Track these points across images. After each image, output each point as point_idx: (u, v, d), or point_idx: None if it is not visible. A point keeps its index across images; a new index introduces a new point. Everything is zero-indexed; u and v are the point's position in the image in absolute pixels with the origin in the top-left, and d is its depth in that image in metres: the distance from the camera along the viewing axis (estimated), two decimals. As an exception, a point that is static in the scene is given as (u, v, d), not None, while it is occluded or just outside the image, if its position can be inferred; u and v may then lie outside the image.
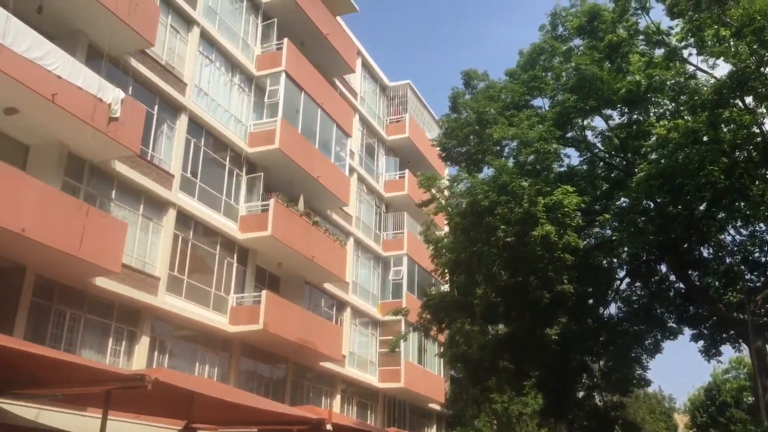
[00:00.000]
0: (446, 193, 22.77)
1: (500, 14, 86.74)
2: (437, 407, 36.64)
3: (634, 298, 24.07)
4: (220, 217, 22.30)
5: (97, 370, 10.49)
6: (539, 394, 28.44)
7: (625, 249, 20.37)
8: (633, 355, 23.17)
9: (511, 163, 19.46)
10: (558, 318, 21.50)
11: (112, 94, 16.54)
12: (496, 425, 37.27)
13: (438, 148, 21.91)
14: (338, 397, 28.52)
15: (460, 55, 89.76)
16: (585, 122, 21.19)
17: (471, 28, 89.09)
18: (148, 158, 19.46)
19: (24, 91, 14.44)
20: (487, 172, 20.95)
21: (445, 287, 26.48)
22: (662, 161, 17.80)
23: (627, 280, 23.64)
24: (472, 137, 20.11)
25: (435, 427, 37.31)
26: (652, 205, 18.99)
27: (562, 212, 17.08)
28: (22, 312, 15.31)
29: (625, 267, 23.17)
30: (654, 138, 19.29)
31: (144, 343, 18.66)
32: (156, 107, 20.06)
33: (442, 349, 32.13)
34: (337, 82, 30.76)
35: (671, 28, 18.87)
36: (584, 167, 22.20)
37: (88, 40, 17.51)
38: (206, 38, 22.61)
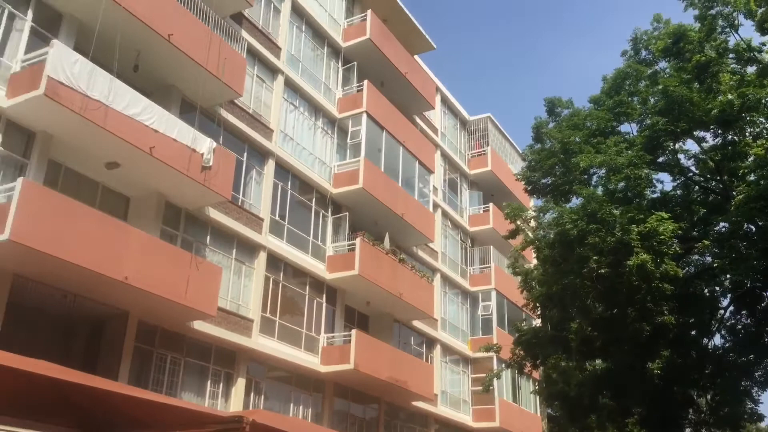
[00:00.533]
0: (533, 224, 22.37)
1: (575, 41, 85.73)
2: (534, 446, 35.49)
3: (740, 327, 22.65)
4: (308, 257, 22.70)
5: (198, 412, 10.77)
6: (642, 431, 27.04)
7: (728, 276, 19.26)
8: (742, 388, 21.74)
9: (600, 191, 18.93)
10: (659, 351, 20.49)
11: (205, 144, 17.27)
12: (597, 464, 35.64)
13: (523, 181, 21.59)
14: (431, 437, 28.10)
15: (537, 84, 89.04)
16: (676, 146, 20.40)
17: (546, 56, 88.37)
18: (239, 203, 20.12)
19: (124, 146, 15.31)
20: (575, 202, 20.48)
21: (537, 322, 25.84)
22: (762, 182, 16.88)
23: (731, 308, 22.31)
24: (557, 167, 19.71)
25: (532, 466, 36.08)
26: (754, 228, 17.97)
27: (657, 240, 16.40)
28: (126, 357, 15.95)
29: (728, 295, 21.89)
30: (752, 158, 18.34)
31: (240, 384, 19.04)
32: (245, 154, 20.79)
33: (537, 387, 31.22)
34: (418, 119, 31.04)
35: (763, 44, 18.07)
36: (678, 192, 21.31)
37: (182, 94, 18.41)
38: (290, 85, 23.36)
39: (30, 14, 15.17)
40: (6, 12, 14.73)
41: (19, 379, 8.66)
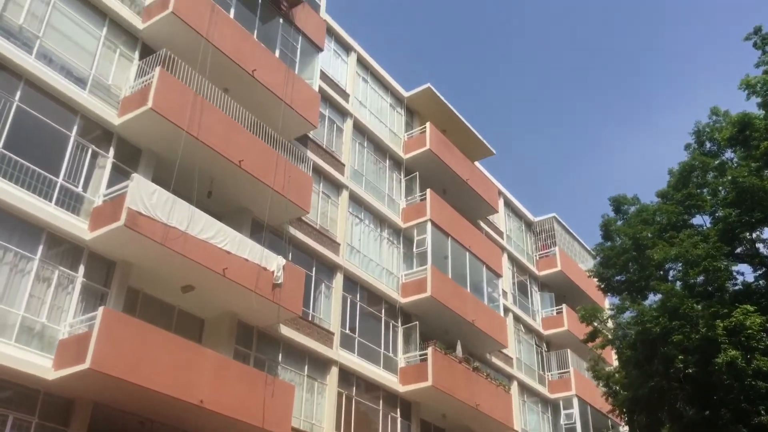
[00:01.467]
0: (610, 324, 21.60)
1: (631, 133, 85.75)
2: None
3: None
4: (380, 370, 22.38)
5: None
6: None
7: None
8: None
9: (678, 286, 18.28)
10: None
11: (275, 262, 17.68)
12: None
13: (595, 279, 21.11)
14: None
15: (597, 178, 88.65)
16: (753, 235, 19.73)
17: (603, 150, 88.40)
18: (310, 318, 20.24)
19: (199, 269, 15.84)
20: (653, 299, 19.79)
21: (625, 429, 24.41)
22: None
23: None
24: (630, 264, 19.25)
25: None
26: None
27: (745, 335, 15.57)
28: (202, 481, 15.75)
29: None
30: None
31: (317, 507, 18.43)
32: (314, 269, 21.13)
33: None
34: (482, 224, 31.11)
35: (836, 126, 17.63)
36: (761, 283, 20.37)
37: (252, 215, 19.09)
38: (355, 199, 23.96)
39: (112, 151, 16.27)
40: (90, 151, 15.85)
41: None
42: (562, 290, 35.55)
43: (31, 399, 13.38)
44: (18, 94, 14.66)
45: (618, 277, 20.40)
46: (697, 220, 20.36)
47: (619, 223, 21.19)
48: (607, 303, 32.06)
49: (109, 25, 17.05)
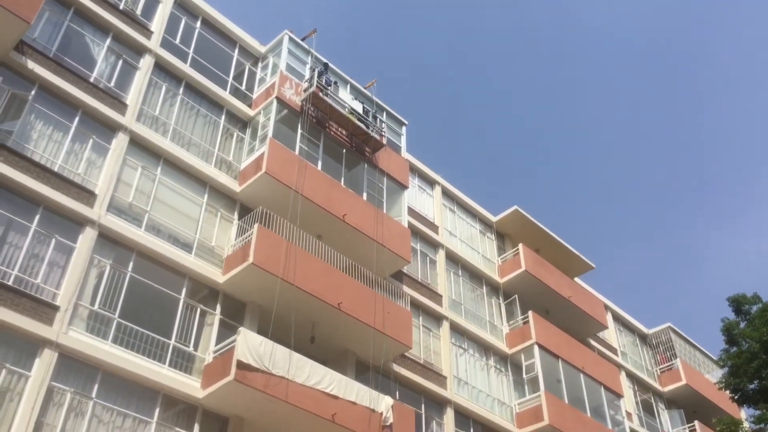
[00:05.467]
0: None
1: (732, 235, 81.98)
2: None
3: None
4: None
5: None
6: None
7: None
8: None
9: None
10: None
11: (383, 403, 17.41)
12: None
13: (727, 391, 19.54)
14: None
15: (705, 283, 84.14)
16: None
17: (708, 254, 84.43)
18: (425, 459, 19.51)
19: (309, 417, 15.80)
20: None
21: None
22: None
23: None
24: (764, 370, 17.80)
25: None
26: None
27: None
28: None
29: None
30: None
31: None
32: (422, 405, 20.61)
33: None
34: (593, 342, 29.76)
35: None
36: None
37: (356, 356, 19.11)
38: (456, 329, 23.64)
39: (218, 308, 16.98)
40: (198, 310, 16.60)
41: None
42: (691, 405, 32.81)
43: None
44: (131, 265, 15.76)
45: (751, 386, 18.87)
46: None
47: (742, 325, 19.86)
48: (743, 414, 29.33)
49: (209, 191, 18.37)
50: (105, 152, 16.59)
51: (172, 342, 15.65)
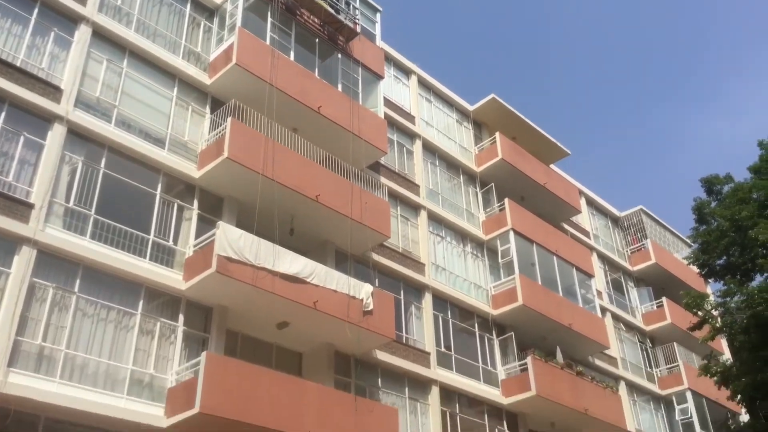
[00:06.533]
0: (715, 312, 20.63)
1: (705, 118, 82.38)
2: None
3: None
4: (481, 384, 22.17)
5: None
6: None
7: None
8: None
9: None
10: None
11: (364, 290, 17.93)
12: None
13: (695, 266, 20.34)
14: None
15: (679, 167, 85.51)
16: None
17: (682, 139, 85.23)
18: (404, 341, 20.33)
19: (291, 305, 16.27)
20: (760, 279, 18.89)
21: (745, 417, 23.23)
22: None
23: None
24: (731, 246, 18.45)
25: None
26: None
27: None
28: None
29: None
30: None
31: None
32: (402, 292, 21.26)
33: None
34: (566, 226, 30.49)
35: None
36: None
37: (335, 246, 19.44)
38: (434, 218, 24.02)
39: (196, 204, 17.03)
40: (175, 205, 16.64)
41: None
42: (659, 283, 34.24)
43: (150, 447, 14.01)
44: (103, 162, 15.60)
45: (719, 262, 19.61)
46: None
47: (714, 204, 20.38)
48: (709, 290, 30.67)
49: (179, 84, 17.95)
50: (68, 45, 16.02)
51: (151, 237, 15.78)
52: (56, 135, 14.88)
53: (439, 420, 20.02)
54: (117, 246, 15.08)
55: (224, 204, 17.49)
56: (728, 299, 19.31)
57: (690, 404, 29.92)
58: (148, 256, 15.53)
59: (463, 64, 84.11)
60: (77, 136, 15.36)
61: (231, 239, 15.56)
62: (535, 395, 21.82)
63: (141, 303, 15.00)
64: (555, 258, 26.31)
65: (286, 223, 18.14)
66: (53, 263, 13.96)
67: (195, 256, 15.88)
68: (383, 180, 22.26)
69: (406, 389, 19.79)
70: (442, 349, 21.64)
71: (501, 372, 23.01)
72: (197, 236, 16.46)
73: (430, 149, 25.59)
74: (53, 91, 15.20)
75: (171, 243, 16.13)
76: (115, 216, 15.27)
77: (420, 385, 20.23)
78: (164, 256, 15.91)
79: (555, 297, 24.99)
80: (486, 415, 21.91)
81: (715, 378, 19.48)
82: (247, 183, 16.95)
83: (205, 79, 18.46)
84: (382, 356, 19.26)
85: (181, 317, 15.55)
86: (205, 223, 16.84)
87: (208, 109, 18.33)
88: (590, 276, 28.17)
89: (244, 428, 14.12)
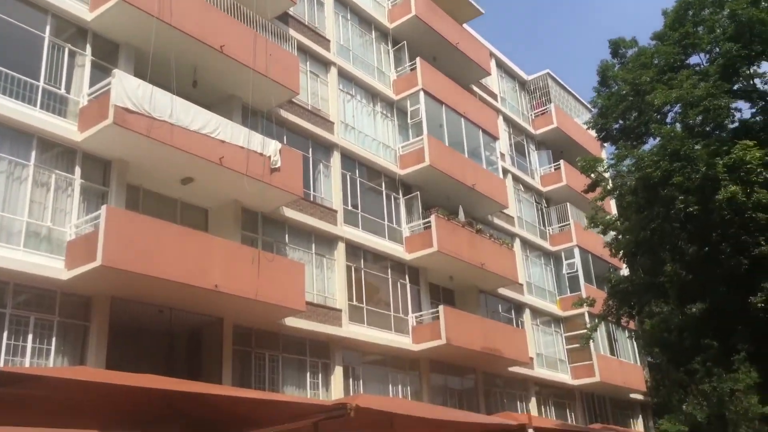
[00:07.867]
0: (608, 175, 21.72)
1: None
2: (639, 397, 34.81)
3: None
4: (386, 242, 22.86)
5: (303, 404, 11.12)
6: (752, 367, 26.02)
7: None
8: None
9: (678, 127, 18.18)
10: (761, 283, 19.69)
11: (271, 147, 17.61)
12: (707, 406, 34.55)
13: (593, 131, 21.03)
14: (533, 400, 28.02)
15: (589, 28, 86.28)
16: (752, 70, 19.39)
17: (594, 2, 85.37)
18: (311, 199, 20.43)
19: (195, 160, 15.79)
20: (651, 143, 19.77)
21: (625, 271, 25.23)
22: None
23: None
24: (630, 111, 19.05)
25: (640, 417, 35.45)
26: None
27: (745, 170, 15.70)
28: (227, 360, 16.54)
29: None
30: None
31: (338, 373, 19.46)
32: (310, 150, 21.07)
33: (634, 334, 30.71)
34: (475, 88, 30.65)
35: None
36: (759, 118, 20.27)
37: (241, 102, 18.75)
38: (344, 75, 23.46)
39: (89, 49, 15.81)
40: (66, 50, 15.39)
41: (128, 394, 9.13)
42: (559, 147, 35.59)
43: (50, 299, 13.79)
44: (-19, -4, 14.06)
45: (616, 126, 20.26)
46: (694, 59, 19.96)
47: (617, 68, 20.75)
48: (604, 154, 32.19)
49: None
50: None
51: (41, 83, 14.65)
52: None
53: (344, 274, 20.67)
54: (3, 92, 13.94)
55: (120, 51, 16.31)
56: (620, 162, 20.18)
57: (577, 259, 32.22)
58: (38, 104, 14.49)
59: None
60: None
61: (128, 89, 14.67)
62: (436, 251, 22.77)
63: (33, 154, 14.17)
64: (463, 120, 26.58)
65: (189, 76, 17.24)
66: (-71, 109, 12.80)
67: (90, 106, 14.96)
68: (292, 32, 21.30)
69: (313, 245, 20.14)
70: (349, 207, 21.95)
71: (405, 230, 23.74)
72: (92, 85, 15.42)
73: (341, 2, 24.50)
74: None
75: (63, 91, 15.07)
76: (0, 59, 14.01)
77: (326, 242, 20.63)
78: (56, 104, 14.89)
79: (460, 158, 25.52)
80: (389, 270, 22.79)
81: (598, 229, 20.75)
82: (145, 28, 15.76)
83: None
84: (290, 213, 19.34)
85: (77, 170, 14.86)
86: (100, 71, 15.74)
87: (97, -57, 16.57)
88: (495, 139, 28.81)
89: (148, 281, 14.06)
